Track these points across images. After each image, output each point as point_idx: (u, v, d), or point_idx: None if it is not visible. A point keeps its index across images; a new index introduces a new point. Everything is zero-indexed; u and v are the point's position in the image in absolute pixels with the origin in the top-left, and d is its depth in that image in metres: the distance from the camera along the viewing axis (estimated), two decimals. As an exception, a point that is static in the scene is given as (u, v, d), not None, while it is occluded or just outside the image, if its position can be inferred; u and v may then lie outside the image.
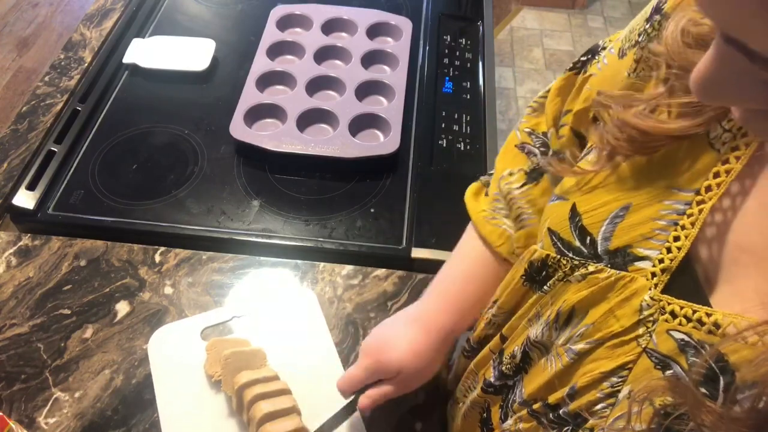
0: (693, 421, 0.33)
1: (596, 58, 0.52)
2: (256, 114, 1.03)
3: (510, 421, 0.52)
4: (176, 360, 0.76)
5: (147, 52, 1.14)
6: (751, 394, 0.30)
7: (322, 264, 0.87)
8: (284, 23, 1.19)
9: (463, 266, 0.65)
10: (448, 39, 1.19)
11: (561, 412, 0.44)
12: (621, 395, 0.39)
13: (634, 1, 3.02)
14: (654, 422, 0.35)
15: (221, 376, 0.71)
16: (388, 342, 0.63)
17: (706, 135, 0.38)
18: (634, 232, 0.40)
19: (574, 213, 0.44)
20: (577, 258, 0.43)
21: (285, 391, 0.69)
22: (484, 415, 0.59)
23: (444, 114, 1.07)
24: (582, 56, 0.54)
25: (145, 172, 0.98)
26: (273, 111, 1.04)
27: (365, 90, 1.07)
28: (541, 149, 0.58)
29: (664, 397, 0.35)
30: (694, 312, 0.36)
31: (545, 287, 0.47)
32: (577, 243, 0.43)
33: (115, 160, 1.00)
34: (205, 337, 0.78)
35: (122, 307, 0.82)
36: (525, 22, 2.93)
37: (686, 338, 0.36)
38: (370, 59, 1.13)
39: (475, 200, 0.64)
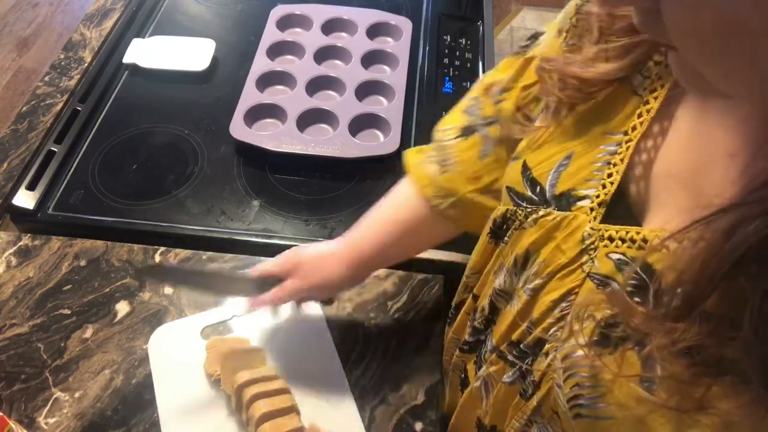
0: (625, 325, 0.36)
1: (537, 41, 0.57)
2: (256, 114, 1.03)
3: (481, 370, 0.57)
4: (176, 359, 0.76)
5: (147, 52, 1.14)
6: (674, 294, 0.33)
7: (322, 264, 0.86)
8: (284, 23, 1.19)
9: (390, 202, 0.71)
10: (448, 39, 1.19)
11: (522, 345, 0.49)
12: (569, 317, 0.43)
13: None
14: (595, 334, 0.39)
15: (220, 374, 0.71)
16: (305, 246, 0.72)
17: (630, 84, 0.43)
18: (576, 177, 0.45)
19: (525, 168, 0.49)
20: (529, 206, 0.48)
21: (284, 390, 0.69)
22: (462, 375, 0.64)
23: (444, 114, 1.06)
24: (525, 42, 0.60)
25: (145, 172, 0.98)
26: (273, 111, 1.04)
27: (365, 90, 1.07)
28: (478, 112, 0.65)
29: (602, 310, 0.38)
30: (627, 233, 0.40)
31: (505, 238, 0.52)
32: (529, 193, 0.48)
33: (115, 160, 1.00)
34: (205, 336, 0.78)
35: (122, 307, 0.82)
36: (525, 22, 2.93)
37: (622, 257, 0.40)
38: (370, 59, 1.13)
39: (416, 152, 0.70)
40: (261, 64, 1.10)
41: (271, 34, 1.16)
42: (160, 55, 1.14)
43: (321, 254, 0.70)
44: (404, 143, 1.00)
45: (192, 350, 0.76)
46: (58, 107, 1.07)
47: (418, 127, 1.05)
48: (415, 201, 0.67)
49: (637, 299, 0.36)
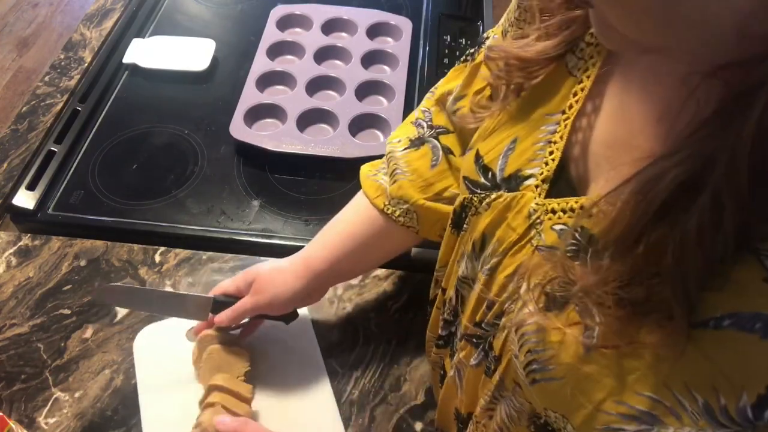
0: (565, 284, 0.38)
1: (482, 47, 0.59)
2: (256, 114, 1.03)
3: (453, 359, 0.58)
4: (160, 359, 0.76)
5: (147, 52, 1.14)
6: (605, 251, 0.35)
7: (322, 264, 0.86)
8: (284, 23, 1.19)
9: (344, 217, 0.73)
10: (448, 39, 1.19)
11: (483, 324, 0.51)
12: (521, 290, 0.44)
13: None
14: (541, 300, 0.41)
15: (201, 369, 0.72)
16: (262, 264, 0.73)
17: (566, 65, 0.46)
18: (521, 158, 0.47)
19: (477, 156, 0.51)
20: (483, 192, 0.50)
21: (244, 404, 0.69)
22: (441, 372, 0.65)
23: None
24: (470, 50, 0.62)
25: (145, 172, 0.98)
26: (273, 111, 1.04)
27: (365, 90, 1.07)
28: (428, 123, 0.68)
29: (547, 275, 0.40)
30: (567, 204, 0.42)
31: (464, 226, 0.54)
32: (482, 180, 0.50)
33: (115, 160, 1.00)
34: (189, 336, 0.77)
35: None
36: (525, 22, 2.92)
37: (563, 227, 0.42)
38: (370, 59, 1.13)
39: (370, 165, 0.73)
40: (261, 64, 1.10)
41: (271, 34, 1.16)
42: (160, 55, 1.14)
43: (274, 270, 0.71)
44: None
45: (176, 351, 0.76)
46: (58, 107, 1.07)
47: None
48: (369, 213, 0.69)
49: (576, 262, 0.38)
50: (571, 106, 0.45)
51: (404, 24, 1.18)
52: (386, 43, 1.16)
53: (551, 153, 0.45)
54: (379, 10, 1.21)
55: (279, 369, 0.76)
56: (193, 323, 0.75)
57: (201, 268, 0.86)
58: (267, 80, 1.09)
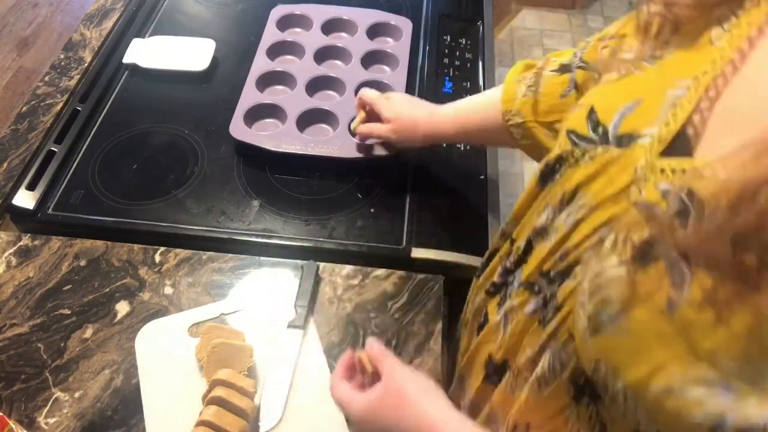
0: (662, 245, 0.37)
1: None
2: (256, 114, 1.03)
3: (504, 305, 0.58)
4: (162, 355, 0.76)
5: (147, 52, 1.14)
6: (714, 216, 0.34)
7: (322, 264, 0.87)
8: (284, 23, 1.19)
9: (480, 99, 0.84)
10: (448, 39, 1.19)
11: (552, 273, 0.49)
12: (607, 242, 0.42)
13: (635, 0, 3.02)
14: (630, 253, 0.39)
15: (205, 362, 0.73)
16: (403, 99, 0.91)
17: (709, 37, 0.44)
18: (640, 119, 0.45)
19: (591, 112, 0.50)
20: (588, 145, 0.48)
21: (242, 413, 0.68)
22: (482, 319, 0.64)
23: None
24: None
25: (145, 172, 0.98)
26: (273, 111, 1.03)
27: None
28: (581, 55, 0.69)
29: (641, 231, 0.39)
30: (680, 164, 0.40)
31: (556, 177, 0.52)
32: (591, 134, 0.48)
33: (115, 160, 1.00)
34: (192, 333, 0.78)
35: (122, 307, 0.82)
36: (525, 22, 2.93)
37: (669, 186, 0.40)
38: (370, 59, 1.13)
39: (522, 68, 0.78)
40: (261, 64, 1.10)
41: (271, 34, 1.16)
42: (160, 55, 1.14)
43: (410, 113, 0.87)
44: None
45: (178, 347, 0.77)
46: (58, 107, 1.07)
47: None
48: (495, 108, 0.77)
49: (677, 222, 0.37)
50: (705, 72, 0.43)
51: (404, 24, 1.18)
52: (386, 44, 1.16)
53: (674, 115, 0.43)
54: (379, 10, 1.21)
55: (282, 365, 0.76)
56: (193, 319, 0.75)
57: (201, 268, 0.86)
58: (267, 80, 1.08)
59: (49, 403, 0.74)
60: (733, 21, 0.43)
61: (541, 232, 0.53)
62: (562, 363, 0.48)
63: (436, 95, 1.09)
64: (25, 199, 0.94)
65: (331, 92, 1.08)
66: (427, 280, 0.85)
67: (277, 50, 1.14)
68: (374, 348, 0.63)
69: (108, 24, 1.22)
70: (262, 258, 0.87)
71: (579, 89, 0.67)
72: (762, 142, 0.33)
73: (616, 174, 0.44)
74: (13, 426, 0.66)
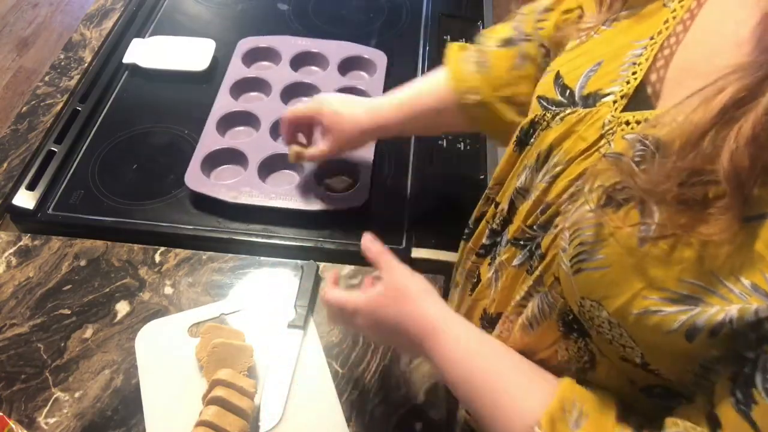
0: (629, 186, 0.40)
1: None
2: (215, 160, 0.97)
3: (494, 263, 0.60)
4: (162, 355, 0.76)
5: (147, 52, 1.14)
6: (673, 154, 0.38)
7: (322, 264, 0.87)
8: (251, 57, 1.13)
9: (421, 85, 0.80)
10: (448, 39, 1.19)
11: (535, 226, 0.52)
12: (584, 191, 0.46)
13: None
14: (602, 198, 0.43)
15: (205, 362, 0.73)
16: (335, 100, 0.84)
17: (662, 1, 0.48)
18: (603, 79, 0.49)
19: (557, 77, 0.53)
20: (558, 108, 0.51)
21: (242, 413, 0.68)
22: (474, 280, 0.66)
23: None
24: None
25: (145, 172, 0.98)
26: (234, 156, 0.97)
27: None
28: (521, 28, 0.71)
29: (610, 178, 0.42)
30: (643, 116, 0.44)
31: (531, 140, 0.55)
32: (559, 97, 0.52)
33: (115, 160, 1.00)
34: (192, 333, 0.78)
35: (122, 307, 0.82)
36: (525, 22, 2.92)
37: (635, 135, 0.43)
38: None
39: (459, 48, 0.78)
40: (223, 103, 1.04)
41: (235, 69, 1.10)
42: (160, 55, 1.14)
43: (343, 103, 0.83)
44: (404, 143, 1.00)
45: (178, 347, 0.77)
46: (58, 107, 1.07)
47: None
48: (446, 90, 0.75)
49: (642, 167, 0.40)
50: (660, 32, 0.47)
51: (379, 58, 1.12)
52: (360, 79, 1.11)
53: (634, 73, 0.47)
54: (352, 42, 1.15)
55: (282, 365, 0.76)
56: (193, 319, 0.75)
57: (201, 268, 0.86)
58: (229, 121, 1.02)
59: (49, 403, 0.74)
60: None
61: (522, 192, 0.56)
62: (550, 305, 0.50)
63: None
64: (25, 199, 0.94)
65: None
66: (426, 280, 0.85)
67: (242, 87, 1.08)
68: (372, 247, 0.63)
69: (108, 24, 1.22)
70: (262, 258, 0.87)
71: (531, 60, 0.69)
72: (708, 91, 0.37)
73: (584, 130, 0.48)
74: (13, 426, 0.66)
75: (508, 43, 0.71)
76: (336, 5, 1.28)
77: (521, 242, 0.55)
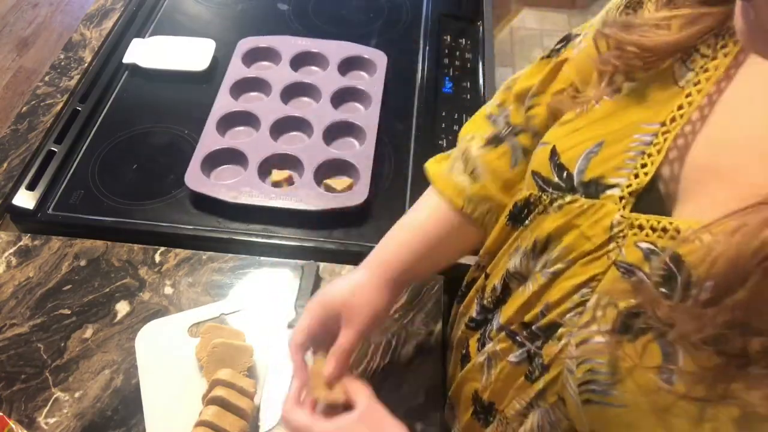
0: (650, 315, 0.36)
1: (571, 44, 0.56)
2: (215, 160, 0.97)
3: (487, 347, 0.56)
4: (162, 355, 0.76)
5: (147, 52, 1.14)
6: (702, 286, 0.33)
7: (322, 264, 0.87)
8: (251, 57, 1.13)
9: (417, 216, 0.67)
10: (448, 39, 1.19)
11: (534, 327, 0.48)
12: (589, 304, 0.42)
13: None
14: (617, 322, 0.38)
15: (205, 362, 0.73)
16: (332, 287, 0.64)
17: (672, 74, 0.43)
18: (607, 165, 0.44)
19: (553, 153, 0.48)
20: (555, 192, 0.47)
21: (242, 413, 0.68)
22: (464, 351, 0.63)
23: (444, 114, 1.06)
24: (556, 45, 0.58)
25: (145, 172, 0.98)
26: (234, 156, 0.97)
27: (336, 131, 1.01)
28: (506, 120, 0.63)
29: (626, 299, 0.38)
30: (659, 223, 0.39)
31: (526, 222, 0.51)
32: (556, 179, 0.47)
33: (115, 160, 1.00)
34: (192, 333, 0.78)
35: (122, 307, 0.82)
36: (525, 22, 2.93)
37: (651, 246, 0.39)
38: (341, 97, 1.06)
39: (437, 163, 0.68)
40: (223, 103, 1.03)
41: (235, 69, 1.09)
42: (160, 55, 1.14)
43: (353, 286, 0.63)
44: (404, 143, 1.00)
45: (178, 347, 0.77)
46: (58, 107, 1.07)
47: (418, 128, 1.03)
48: (445, 212, 0.65)
49: (663, 290, 0.36)
50: (674, 119, 0.41)
51: (379, 58, 1.11)
52: (360, 79, 1.10)
53: (644, 166, 0.42)
54: (352, 42, 1.14)
55: (282, 365, 0.76)
56: (193, 319, 0.75)
57: (201, 268, 0.86)
58: (229, 121, 1.02)
59: (49, 403, 0.74)
60: (698, 60, 0.42)
61: (517, 276, 0.52)
62: (552, 424, 0.47)
63: (436, 95, 1.09)
64: (25, 199, 0.94)
65: (298, 133, 1.02)
66: (427, 280, 0.85)
67: (242, 87, 1.08)
68: (335, 369, 0.57)
69: (108, 24, 1.22)
70: (262, 258, 0.87)
71: (530, 152, 0.59)
72: (751, 218, 0.31)
73: (588, 228, 0.44)
74: (13, 426, 0.66)
75: (495, 140, 0.63)
76: (336, 5, 1.28)
77: (518, 338, 0.51)
